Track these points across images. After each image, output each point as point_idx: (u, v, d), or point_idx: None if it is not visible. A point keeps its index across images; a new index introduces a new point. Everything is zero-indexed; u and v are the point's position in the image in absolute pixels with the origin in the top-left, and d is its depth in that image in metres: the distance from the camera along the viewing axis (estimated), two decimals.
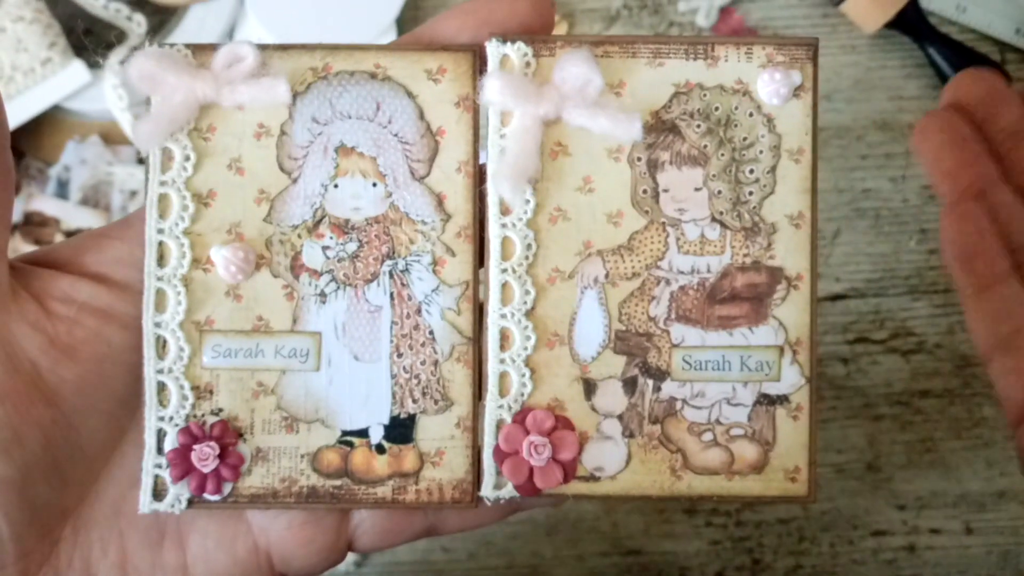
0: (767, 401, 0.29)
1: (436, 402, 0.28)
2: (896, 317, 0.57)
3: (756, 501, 0.29)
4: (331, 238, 0.27)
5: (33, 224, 0.53)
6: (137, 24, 0.56)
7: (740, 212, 0.29)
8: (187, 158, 0.27)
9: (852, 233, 0.58)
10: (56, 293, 0.27)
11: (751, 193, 0.29)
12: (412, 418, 0.28)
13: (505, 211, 0.28)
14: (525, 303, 0.28)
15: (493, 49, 0.28)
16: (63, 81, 0.53)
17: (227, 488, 0.27)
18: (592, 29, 0.60)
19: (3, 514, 0.25)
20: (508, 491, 0.28)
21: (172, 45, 0.27)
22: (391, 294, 0.28)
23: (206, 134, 0.27)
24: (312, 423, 0.27)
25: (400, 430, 0.27)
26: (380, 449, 0.27)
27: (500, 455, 0.28)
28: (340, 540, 0.29)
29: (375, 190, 0.27)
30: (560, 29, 0.59)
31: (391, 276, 0.28)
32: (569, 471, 0.28)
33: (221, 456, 0.27)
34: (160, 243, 0.27)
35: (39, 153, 0.56)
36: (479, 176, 0.28)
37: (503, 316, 0.28)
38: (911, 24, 0.57)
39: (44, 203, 0.53)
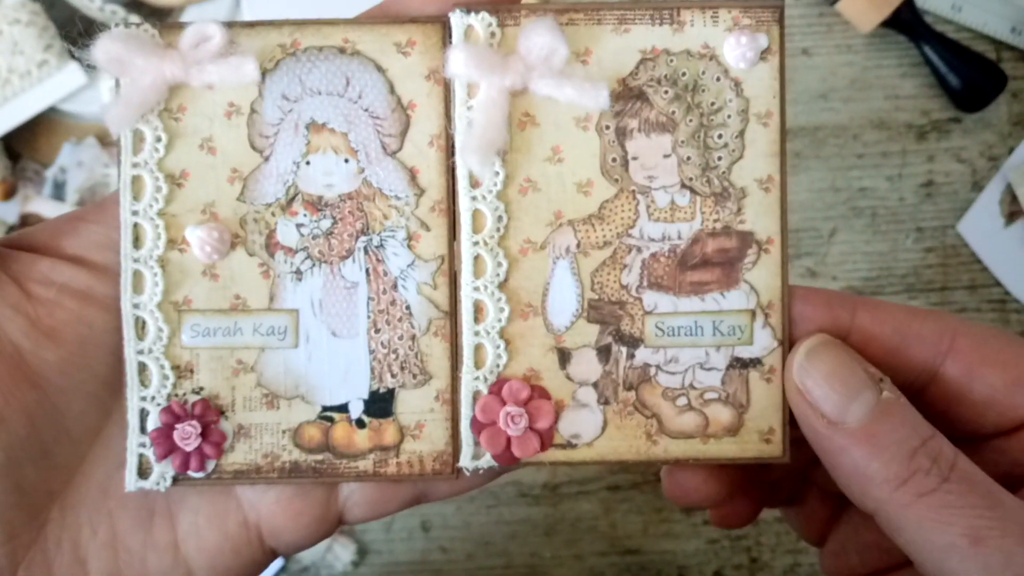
0: (740, 364, 0.28)
1: (415, 376, 0.28)
2: None
3: (732, 463, 0.28)
4: (305, 215, 0.27)
5: (29, 226, 0.54)
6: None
7: (709, 177, 0.28)
8: (158, 139, 0.27)
9: (849, 232, 0.58)
10: (35, 276, 0.27)
11: (720, 158, 0.28)
12: (391, 392, 0.27)
13: (475, 184, 0.28)
14: (498, 275, 0.28)
15: (457, 20, 0.28)
16: (59, 83, 0.54)
17: (210, 465, 0.27)
18: None
19: None
20: (487, 461, 0.28)
21: (139, 25, 0.27)
22: (367, 270, 0.27)
23: (176, 114, 0.27)
24: (292, 399, 0.27)
25: (380, 404, 0.27)
26: (360, 423, 0.28)
27: (478, 426, 0.28)
28: (329, 512, 0.29)
29: (347, 166, 0.27)
30: None
31: (366, 252, 0.27)
32: (546, 439, 0.28)
33: (203, 434, 0.27)
34: (135, 225, 0.27)
35: (35, 155, 0.57)
36: (451, 149, 0.28)
37: (476, 288, 0.28)
38: (906, 23, 0.57)
39: (40, 205, 0.53)
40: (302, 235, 0.27)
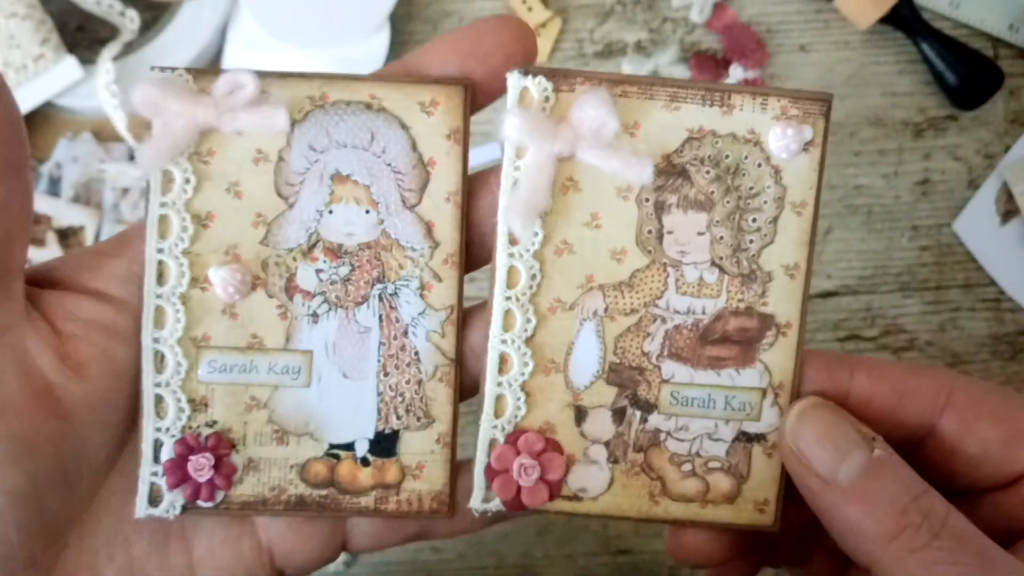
0: (745, 438, 0.31)
1: (419, 419, 0.30)
2: (887, 314, 0.59)
3: (726, 528, 0.32)
4: (324, 261, 0.29)
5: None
6: (130, 20, 0.58)
7: (739, 259, 0.30)
8: (187, 181, 0.29)
9: (844, 230, 0.60)
10: (61, 312, 0.28)
11: (751, 241, 0.30)
12: (396, 433, 0.30)
13: (513, 241, 0.30)
14: (526, 331, 0.30)
15: (514, 81, 0.29)
16: (55, 77, 0.54)
17: (219, 496, 0.30)
18: (585, 25, 0.61)
19: (14, 523, 0.27)
20: (495, 505, 0.31)
21: (174, 70, 0.28)
22: (380, 316, 0.30)
23: (206, 158, 0.29)
24: (302, 436, 0.30)
25: (384, 444, 0.30)
26: (365, 462, 0.30)
27: (491, 473, 0.31)
28: (335, 539, 0.32)
29: (368, 217, 0.29)
30: (554, 25, 0.60)
31: (380, 299, 0.30)
32: (555, 490, 0.31)
33: (215, 466, 0.29)
34: (160, 262, 0.29)
35: (31, 150, 0.57)
36: (467, 206, 0.30)
37: (503, 341, 0.30)
38: (904, 20, 0.59)
39: (36, 200, 0.53)
40: (321, 280, 0.30)
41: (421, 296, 0.30)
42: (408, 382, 0.30)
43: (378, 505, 0.30)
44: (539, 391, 0.31)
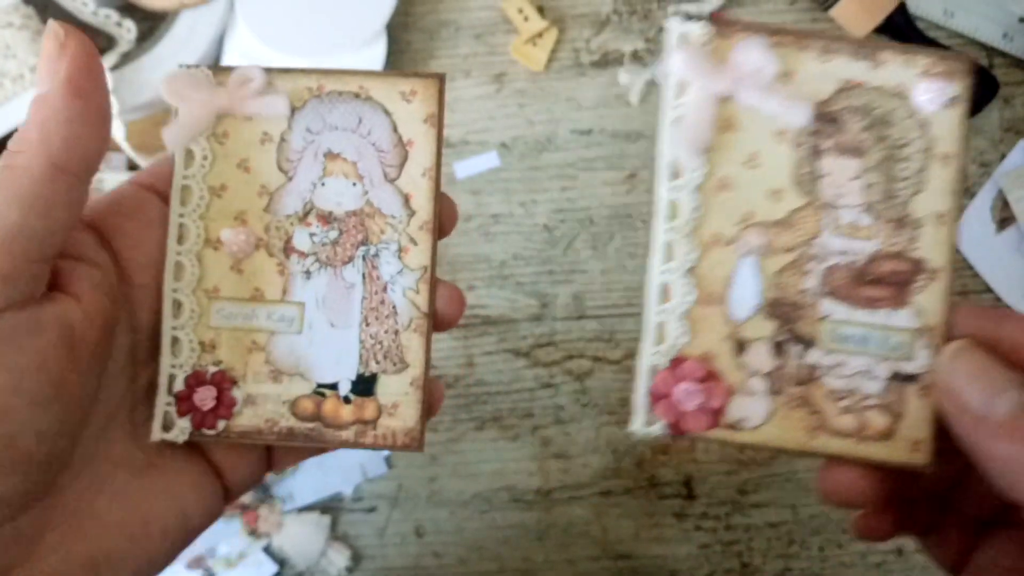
0: (900, 378, 0.36)
1: (395, 364, 0.39)
2: None
3: (881, 464, 0.36)
4: (317, 227, 0.38)
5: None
6: (127, 30, 0.67)
7: (891, 205, 0.36)
8: (205, 157, 0.38)
9: None
10: (65, 276, 0.35)
11: (901, 189, 0.36)
12: (374, 376, 0.39)
13: (676, 175, 0.37)
14: (688, 261, 0.37)
15: (675, 26, 0.36)
16: None
17: (221, 425, 0.38)
18: (582, 35, 0.69)
19: (38, 461, 0.34)
20: (658, 428, 0.36)
21: (197, 67, 0.38)
22: (363, 274, 0.39)
23: (221, 139, 0.39)
24: (293, 376, 0.39)
25: (364, 385, 0.39)
26: (347, 400, 0.39)
27: (656, 396, 0.36)
28: (264, 460, 0.42)
29: (355, 189, 0.39)
30: (550, 35, 0.69)
31: (364, 259, 0.39)
32: (716, 418, 0.37)
33: (218, 398, 0.38)
34: (181, 225, 0.38)
35: None
36: (439, 181, 0.39)
37: (663, 272, 0.37)
38: (899, 29, 0.67)
39: None
40: (313, 242, 0.38)
41: (399, 257, 0.39)
42: (386, 332, 0.39)
43: (357, 438, 0.38)
44: (700, 320, 0.37)
